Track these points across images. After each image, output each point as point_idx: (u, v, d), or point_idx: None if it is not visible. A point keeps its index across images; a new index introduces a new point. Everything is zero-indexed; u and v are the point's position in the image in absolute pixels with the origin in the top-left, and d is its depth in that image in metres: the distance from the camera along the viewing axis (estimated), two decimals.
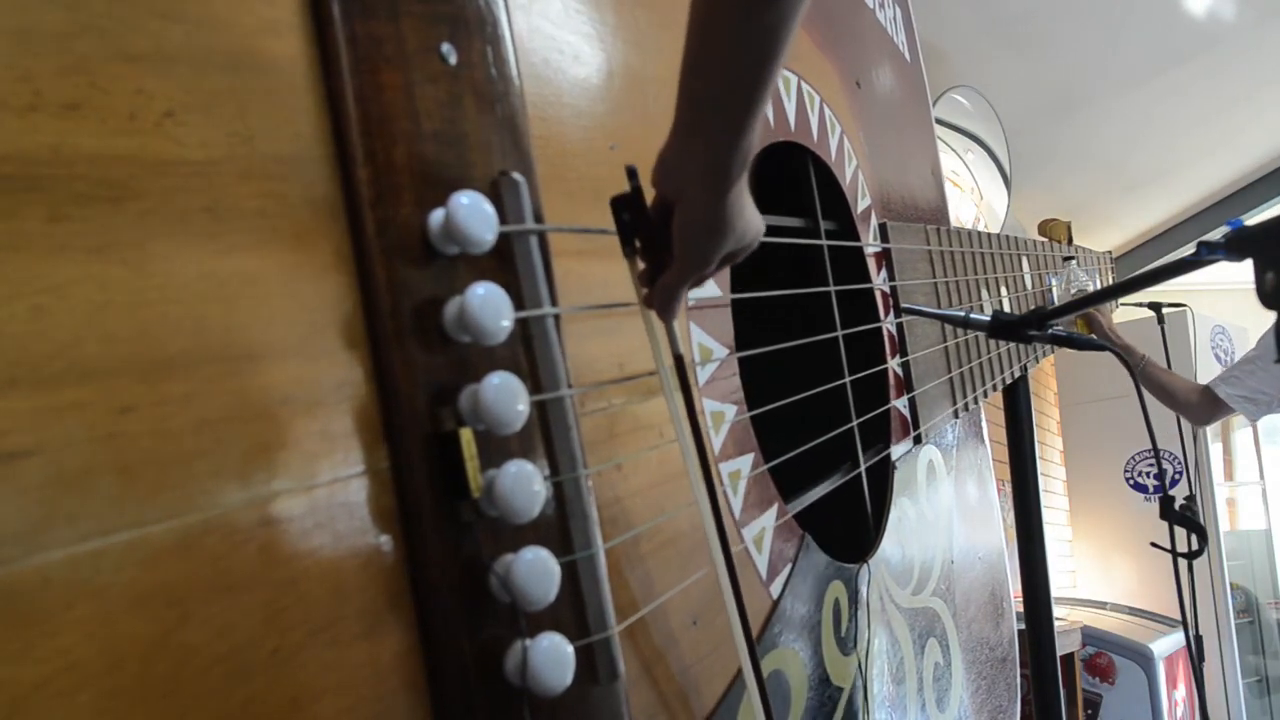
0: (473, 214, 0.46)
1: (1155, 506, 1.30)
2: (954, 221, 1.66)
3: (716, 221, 0.56)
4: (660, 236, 0.57)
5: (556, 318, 0.53)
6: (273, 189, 0.41)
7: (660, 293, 0.59)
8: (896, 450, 1.17)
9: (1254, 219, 1.11)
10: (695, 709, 0.65)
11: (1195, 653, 1.40)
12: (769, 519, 0.82)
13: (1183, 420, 2.78)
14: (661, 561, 0.64)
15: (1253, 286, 0.72)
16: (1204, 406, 2.38)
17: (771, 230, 0.99)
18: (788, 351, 0.90)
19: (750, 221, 0.59)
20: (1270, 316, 0.72)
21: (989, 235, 1.72)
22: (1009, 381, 1.76)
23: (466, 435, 0.45)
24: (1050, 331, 1.15)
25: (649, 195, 0.58)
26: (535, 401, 0.50)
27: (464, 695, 0.45)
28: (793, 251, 1.09)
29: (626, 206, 0.58)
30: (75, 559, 0.32)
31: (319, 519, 0.40)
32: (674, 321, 0.61)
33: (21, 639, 0.31)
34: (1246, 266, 0.74)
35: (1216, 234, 0.80)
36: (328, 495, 0.41)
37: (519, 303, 0.51)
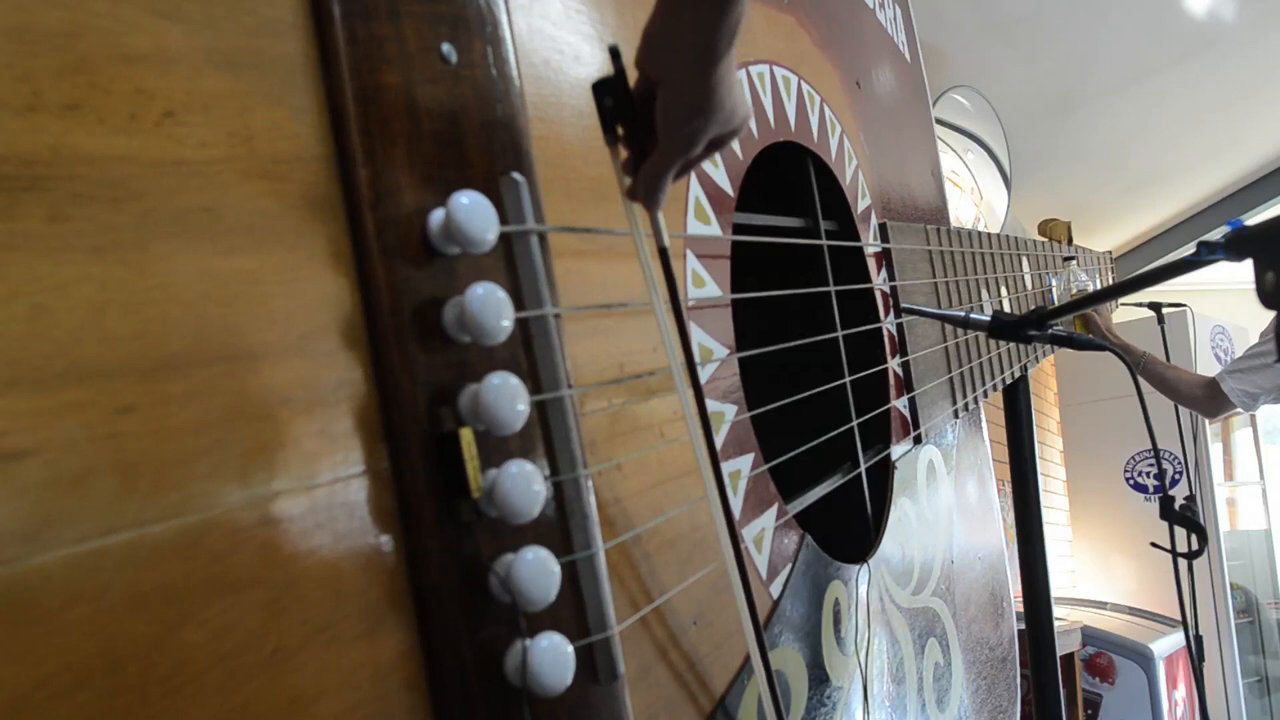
0: (473, 214, 0.46)
1: (1155, 506, 1.30)
2: (954, 221, 1.66)
3: (702, 100, 0.53)
4: (644, 121, 0.55)
5: (557, 318, 0.53)
6: (273, 189, 0.41)
7: (644, 180, 0.56)
8: (896, 450, 1.17)
9: (1254, 219, 1.11)
10: (696, 708, 0.65)
11: (1195, 653, 1.40)
12: (769, 519, 0.82)
13: (1182, 420, 2.79)
14: (662, 561, 0.64)
15: (1253, 286, 0.72)
16: (1211, 399, 2.36)
17: (771, 230, 1.00)
18: (788, 351, 0.90)
19: (738, 102, 0.56)
20: (1270, 316, 0.72)
21: (989, 235, 1.72)
22: (1009, 381, 1.76)
23: (466, 435, 0.45)
24: (1050, 331, 1.15)
25: (632, 80, 0.56)
26: (535, 401, 0.50)
27: (464, 695, 0.45)
28: (793, 251, 1.09)
29: (609, 90, 0.55)
30: (75, 559, 0.32)
31: (319, 519, 0.40)
32: (659, 211, 0.58)
33: (21, 639, 0.31)
34: (1246, 266, 0.74)
35: (1216, 234, 0.80)
36: (328, 495, 0.41)
37: (519, 303, 0.51)
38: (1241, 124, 4.10)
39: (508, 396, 0.46)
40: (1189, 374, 2.49)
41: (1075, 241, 2.58)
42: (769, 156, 0.96)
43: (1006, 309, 1.76)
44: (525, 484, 0.46)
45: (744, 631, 0.60)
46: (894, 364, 1.19)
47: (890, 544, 1.09)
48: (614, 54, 0.54)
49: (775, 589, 0.81)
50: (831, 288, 1.07)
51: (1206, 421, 4.21)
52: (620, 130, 0.57)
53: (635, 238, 0.58)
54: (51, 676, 0.31)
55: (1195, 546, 1.27)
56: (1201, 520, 1.28)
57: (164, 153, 0.37)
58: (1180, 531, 1.27)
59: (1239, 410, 2.35)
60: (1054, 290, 2.22)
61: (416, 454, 0.44)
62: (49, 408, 0.32)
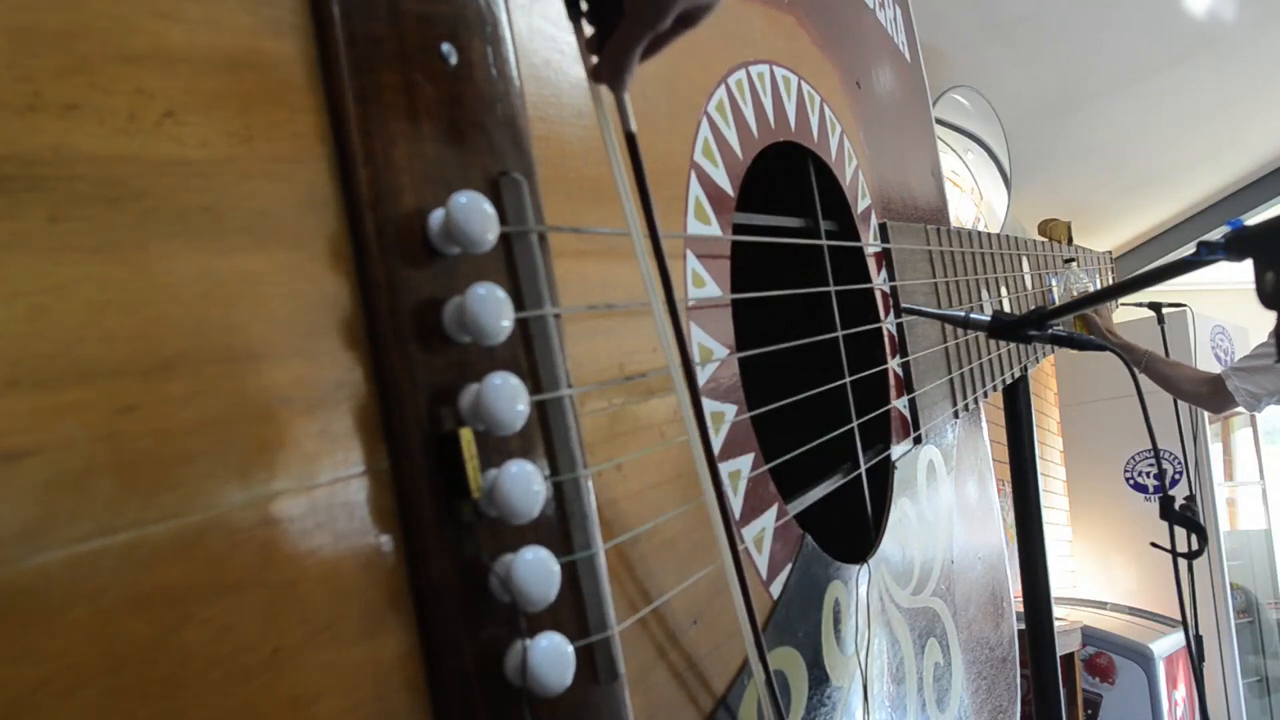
0: (473, 214, 0.46)
1: (1155, 506, 1.30)
2: (954, 221, 1.66)
3: None
4: None
5: (557, 317, 0.53)
6: (273, 189, 0.41)
7: (609, 56, 0.54)
8: (896, 450, 1.17)
9: (1254, 219, 1.11)
10: (696, 708, 0.65)
11: (1195, 653, 1.40)
12: (769, 519, 0.82)
13: (1182, 420, 2.79)
14: (662, 562, 0.64)
15: (1253, 286, 0.72)
16: (1214, 396, 2.37)
17: (771, 230, 1.00)
18: (788, 351, 0.90)
19: None
20: (1270, 316, 0.72)
21: (989, 235, 1.72)
22: (1009, 382, 1.76)
23: (467, 435, 0.45)
24: (1050, 331, 1.15)
25: None
26: (535, 401, 0.50)
27: (464, 695, 0.45)
28: (793, 251, 1.09)
29: None
30: (75, 559, 0.32)
31: (319, 519, 0.40)
32: (625, 93, 0.56)
33: (21, 639, 0.31)
34: (1246, 266, 0.74)
35: (1216, 234, 0.80)
36: (328, 495, 0.41)
37: (519, 303, 0.51)
38: (1241, 124, 4.11)
39: (508, 396, 0.46)
40: (1192, 370, 2.49)
41: (1075, 241, 2.58)
42: (769, 156, 0.96)
43: (1006, 309, 1.76)
44: (525, 484, 0.46)
45: (742, 632, 0.60)
46: (894, 364, 1.19)
47: (890, 544, 1.09)
48: None
49: (775, 589, 0.81)
50: (831, 288, 1.07)
51: (1207, 421, 4.22)
52: (584, 5, 0.54)
53: (633, 238, 0.58)
54: (52, 677, 0.31)
55: (1195, 546, 1.27)
56: (1201, 520, 1.28)
57: (164, 153, 0.37)
58: (1180, 531, 1.27)
59: (1241, 409, 2.36)
60: (1054, 290, 2.22)
61: (417, 454, 0.44)
62: (49, 408, 0.32)
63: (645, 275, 0.58)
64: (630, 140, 0.56)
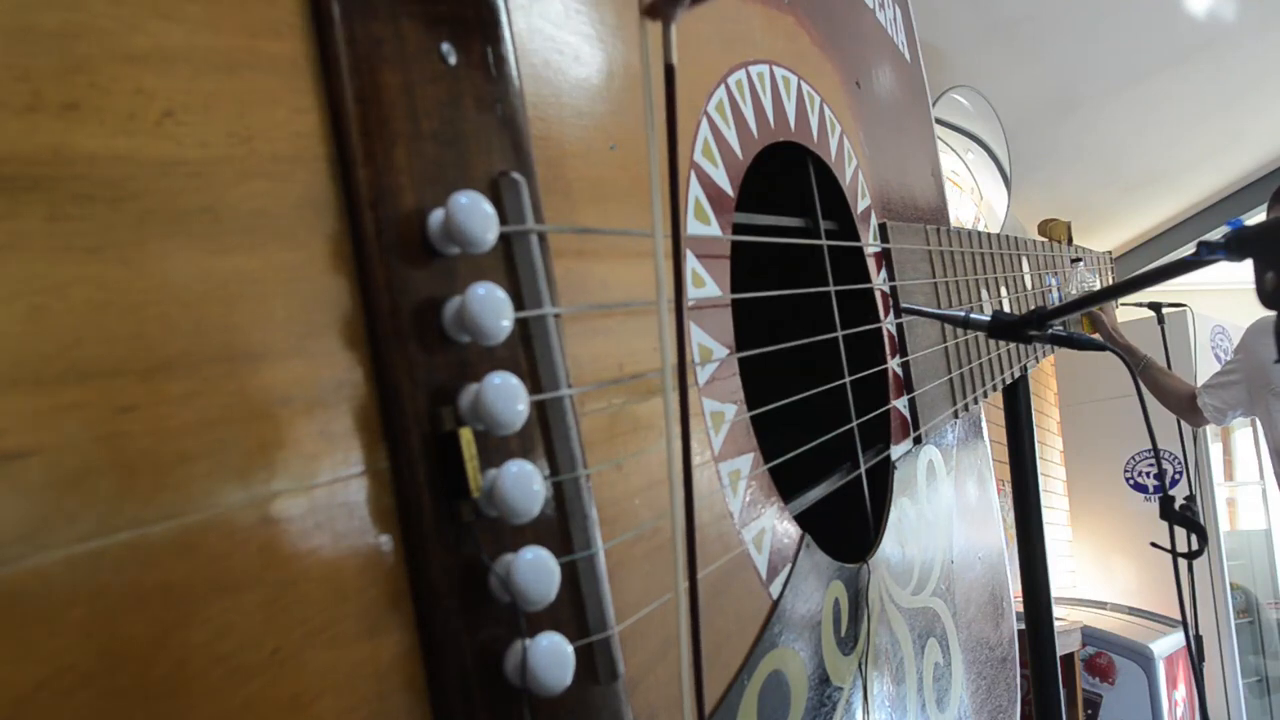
0: (473, 214, 0.46)
1: (1155, 506, 1.30)
2: (954, 221, 1.66)
3: None
4: None
5: (556, 318, 0.53)
6: (273, 189, 0.41)
7: None
8: (896, 450, 1.17)
9: (1254, 219, 1.11)
10: (695, 709, 0.65)
11: (1195, 653, 1.40)
12: (769, 519, 0.82)
13: (1183, 420, 2.81)
14: (662, 562, 0.64)
15: (1253, 286, 0.72)
16: (1190, 410, 2.48)
17: (772, 230, 1.00)
18: (788, 351, 0.90)
19: None
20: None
21: (989, 235, 1.72)
22: (1009, 381, 1.76)
23: (466, 435, 0.45)
24: (1050, 331, 1.15)
25: None
26: (535, 401, 0.50)
27: (464, 695, 0.45)
28: (793, 251, 1.09)
29: None
30: (75, 559, 0.32)
31: (319, 519, 0.40)
32: (673, 25, 0.54)
33: (21, 639, 0.31)
34: (1246, 266, 0.74)
35: (1216, 234, 0.80)
36: (327, 495, 0.41)
37: (519, 303, 0.51)
38: (1241, 124, 4.11)
39: (508, 396, 0.46)
40: (1181, 383, 2.56)
41: (1075, 241, 2.59)
42: (769, 156, 0.96)
43: (1006, 309, 1.76)
44: (525, 484, 0.46)
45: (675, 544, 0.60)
46: (894, 364, 1.19)
47: (890, 544, 1.09)
48: None
49: (775, 589, 0.81)
50: (831, 288, 1.07)
51: None
52: None
53: (655, 238, 0.57)
54: (52, 677, 0.31)
55: (1195, 546, 1.27)
56: (1201, 520, 1.28)
57: (164, 153, 0.37)
58: (1180, 531, 1.27)
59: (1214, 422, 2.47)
60: (1056, 291, 2.22)
61: (416, 454, 0.44)
62: (49, 408, 0.32)
63: (657, 246, 0.57)
64: (669, 72, 0.53)
